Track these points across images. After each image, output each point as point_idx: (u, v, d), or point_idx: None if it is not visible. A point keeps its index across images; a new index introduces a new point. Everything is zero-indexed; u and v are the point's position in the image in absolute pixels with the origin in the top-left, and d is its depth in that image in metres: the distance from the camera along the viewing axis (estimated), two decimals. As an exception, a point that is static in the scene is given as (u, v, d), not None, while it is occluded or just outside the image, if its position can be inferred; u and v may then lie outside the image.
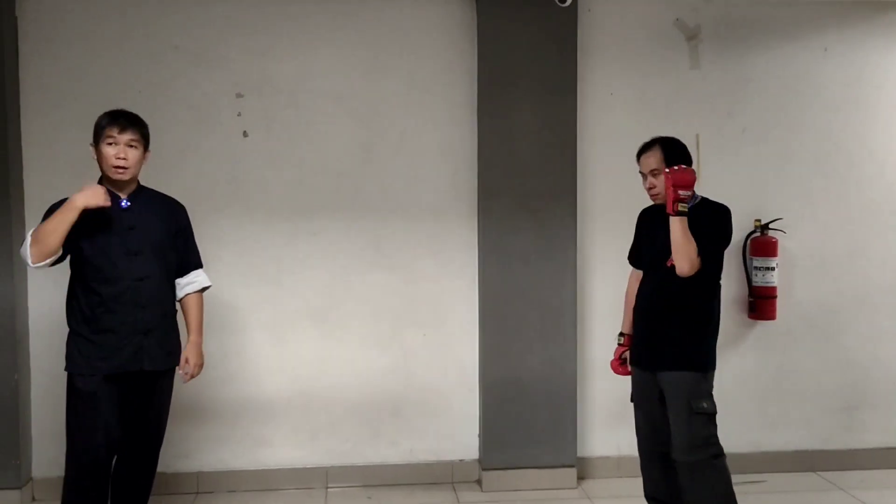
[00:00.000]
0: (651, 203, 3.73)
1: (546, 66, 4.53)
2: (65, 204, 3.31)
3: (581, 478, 4.72)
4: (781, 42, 4.81)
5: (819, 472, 4.88)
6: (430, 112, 4.63)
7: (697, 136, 4.70)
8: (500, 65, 4.51)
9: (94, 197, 3.30)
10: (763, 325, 4.86)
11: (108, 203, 3.34)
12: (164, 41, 4.46)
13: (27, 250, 3.34)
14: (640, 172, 3.66)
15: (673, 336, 3.55)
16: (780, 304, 4.80)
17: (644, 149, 3.64)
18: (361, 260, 4.64)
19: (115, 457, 3.58)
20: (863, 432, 4.97)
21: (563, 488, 4.61)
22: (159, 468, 3.74)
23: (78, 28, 4.41)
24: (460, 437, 4.75)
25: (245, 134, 4.54)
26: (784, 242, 4.80)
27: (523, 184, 4.54)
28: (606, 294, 4.73)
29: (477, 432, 4.75)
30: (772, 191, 4.86)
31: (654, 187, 3.58)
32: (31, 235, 3.35)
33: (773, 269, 4.75)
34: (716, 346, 3.64)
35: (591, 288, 4.75)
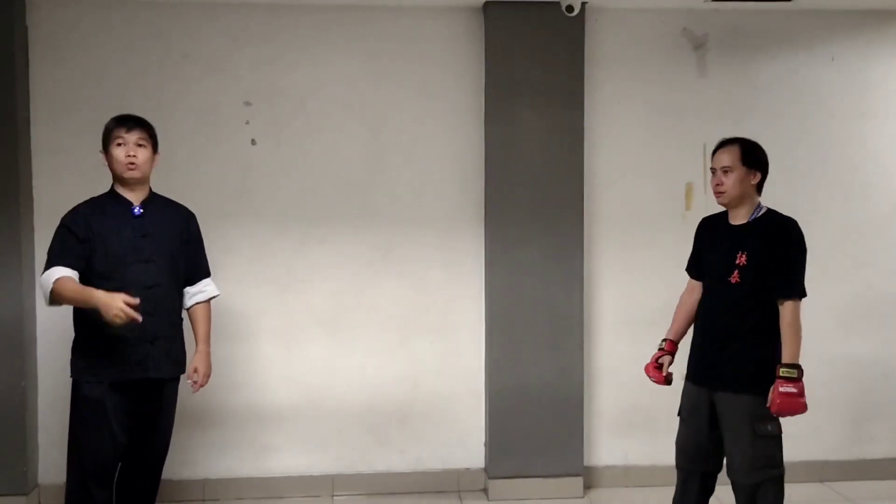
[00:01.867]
0: (705, 212, 3.59)
1: (554, 75, 4.53)
2: (88, 295, 3.26)
3: (588, 487, 4.70)
4: (788, 51, 4.81)
5: (827, 483, 4.85)
6: (439, 121, 4.65)
7: (704, 145, 4.70)
8: (508, 74, 4.52)
9: (113, 313, 3.20)
10: (771, 335, 4.83)
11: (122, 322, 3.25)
12: (173, 50, 4.49)
13: (48, 292, 3.35)
14: (711, 168, 3.54)
15: (735, 356, 3.41)
16: (788, 313, 4.77)
17: (721, 145, 3.53)
18: (370, 268, 4.65)
19: (120, 464, 3.58)
20: (872, 443, 4.94)
21: (570, 497, 4.59)
22: (165, 475, 3.74)
23: (87, 37, 4.43)
24: (467, 446, 4.74)
25: (253, 142, 4.56)
26: (792, 251, 4.78)
27: (531, 192, 4.54)
28: (614, 302, 4.74)
29: (483, 441, 4.74)
30: (778, 200, 4.76)
31: (722, 184, 3.46)
32: (55, 284, 3.32)
33: (780, 278, 4.72)
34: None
35: (599, 296, 4.74)
